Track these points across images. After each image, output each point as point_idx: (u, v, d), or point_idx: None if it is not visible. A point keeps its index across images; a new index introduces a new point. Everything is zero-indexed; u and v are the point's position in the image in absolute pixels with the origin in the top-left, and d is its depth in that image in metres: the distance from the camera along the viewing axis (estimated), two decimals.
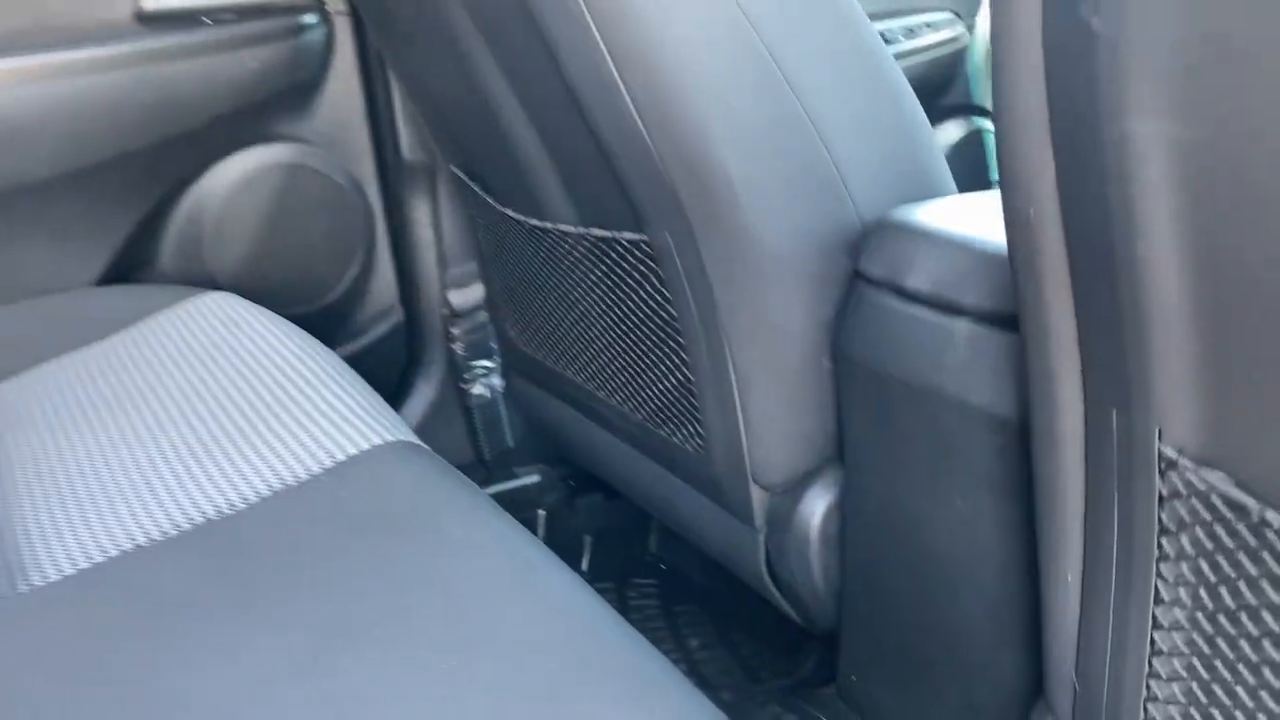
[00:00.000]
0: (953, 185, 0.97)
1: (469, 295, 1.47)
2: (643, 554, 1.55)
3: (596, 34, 0.83)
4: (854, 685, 1.01)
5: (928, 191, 0.93)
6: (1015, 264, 0.60)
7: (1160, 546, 0.58)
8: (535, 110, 0.99)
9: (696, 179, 0.87)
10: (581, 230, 1.04)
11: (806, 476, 1.01)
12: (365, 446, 0.82)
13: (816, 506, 1.00)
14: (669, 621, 1.42)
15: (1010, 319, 0.75)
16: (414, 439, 0.87)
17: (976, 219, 0.82)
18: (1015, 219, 0.57)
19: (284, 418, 0.87)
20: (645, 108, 0.85)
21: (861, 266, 0.87)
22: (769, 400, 0.97)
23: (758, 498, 1.03)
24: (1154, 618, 0.61)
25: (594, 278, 1.07)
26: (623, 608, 1.48)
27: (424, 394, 1.54)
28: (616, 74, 0.84)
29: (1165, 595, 0.60)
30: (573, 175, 1.01)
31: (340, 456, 0.81)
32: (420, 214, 1.42)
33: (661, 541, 1.55)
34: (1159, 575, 0.59)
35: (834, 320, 0.93)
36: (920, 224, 0.82)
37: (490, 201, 1.18)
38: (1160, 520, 0.57)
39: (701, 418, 1.03)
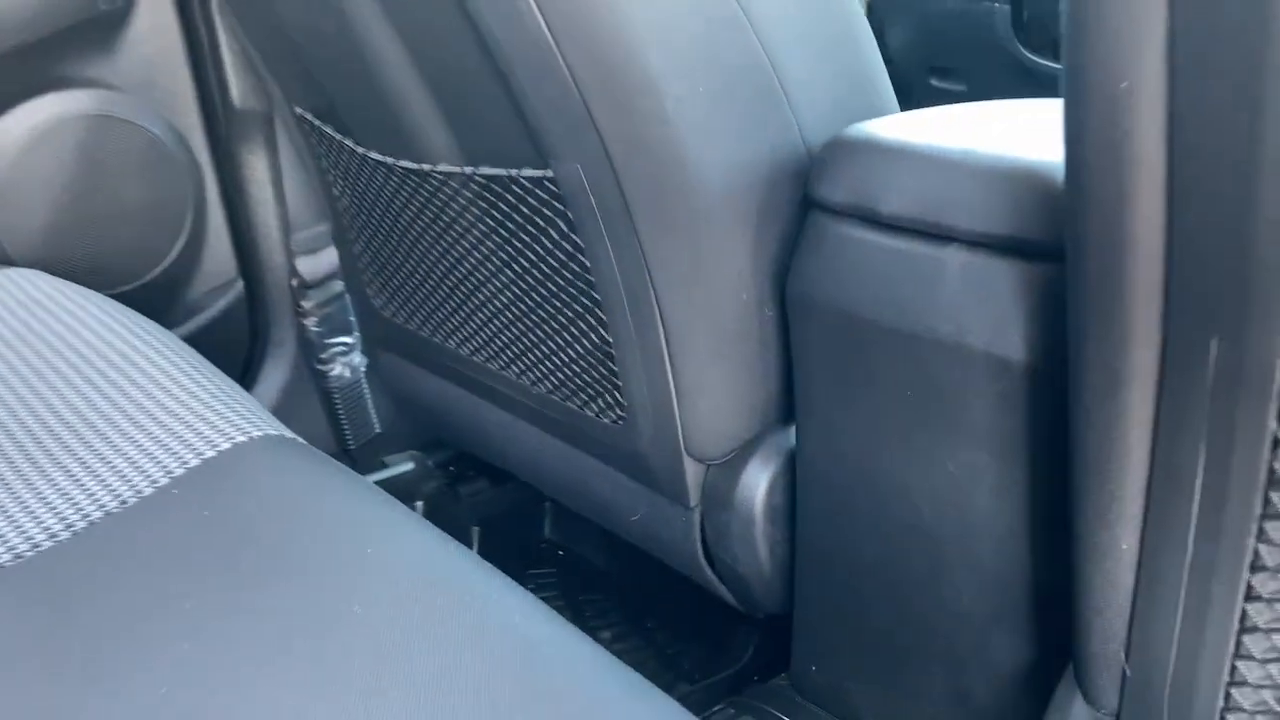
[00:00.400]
0: (897, 107, 0.85)
1: (321, 262, 1.27)
2: (538, 541, 1.40)
3: None
4: (813, 676, 0.90)
5: (876, 113, 0.80)
6: (1082, 157, 0.48)
7: (1268, 502, 0.47)
8: (408, 25, 0.82)
9: (615, 95, 0.72)
10: (468, 170, 0.87)
11: (748, 445, 0.88)
12: (226, 445, 0.65)
13: (760, 478, 0.87)
14: (575, 614, 1.28)
15: (1016, 244, 0.63)
16: (284, 430, 0.70)
17: (953, 132, 0.70)
18: (1095, 96, 0.44)
19: (125, 416, 0.68)
20: (550, 6, 0.69)
21: (818, 193, 0.74)
22: (705, 359, 0.83)
23: (692, 472, 0.89)
24: (1248, 587, 0.50)
25: (484, 227, 0.91)
26: None
27: (274, 378, 1.35)
28: None
29: (1269, 560, 0.49)
30: (456, 103, 0.85)
31: (196, 460, 0.63)
32: (257, 169, 1.22)
33: (557, 525, 1.40)
34: (1261, 536, 0.48)
35: (779, 260, 0.80)
36: (893, 140, 0.70)
37: (349, 145, 0.99)
38: (1273, 470, 0.46)
39: (622, 385, 0.88)
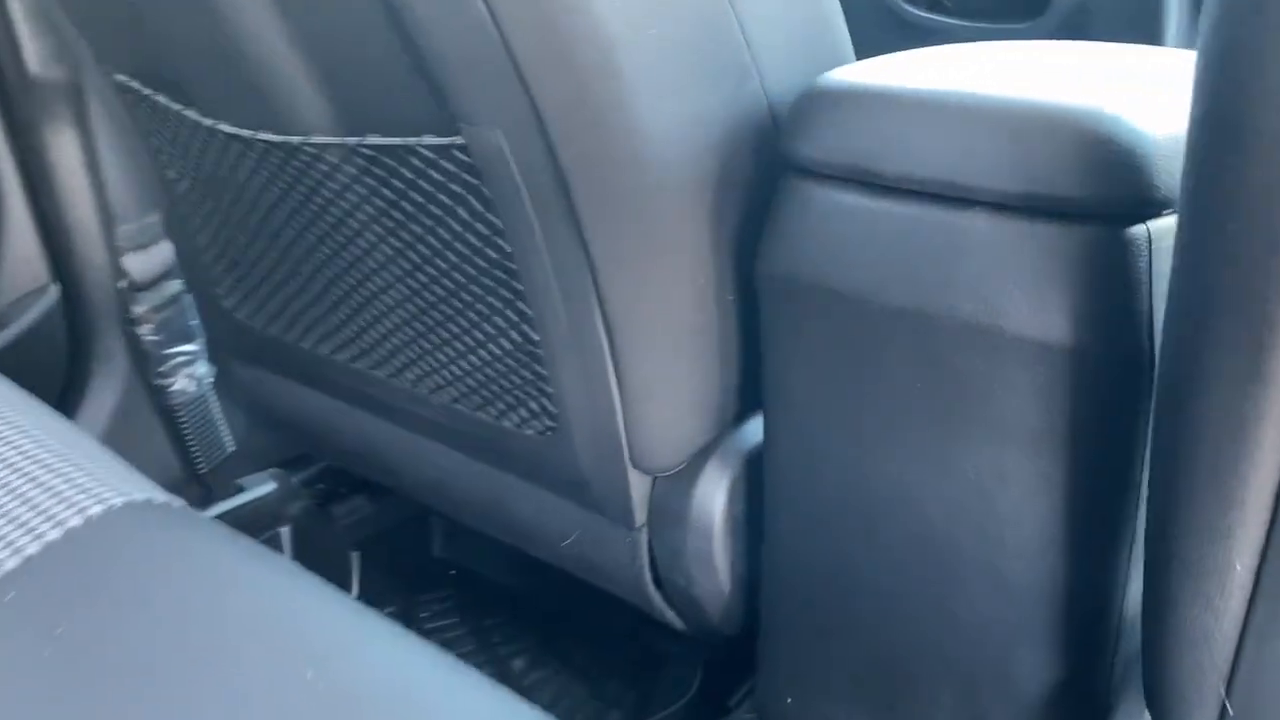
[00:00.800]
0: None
1: (154, 258, 1.07)
2: (427, 561, 1.25)
3: None
4: (787, 707, 0.78)
5: (839, 64, 0.69)
6: (1239, 80, 0.37)
7: None
8: None
9: (550, 42, 0.58)
10: (350, 141, 0.71)
11: (702, 450, 0.76)
12: (75, 522, 0.48)
13: (718, 487, 0.75)
14: (480, 640, 1.13)
15: (1053, 204, 0.53)
16: (155, 492, 0.53)
17: (954, 76, 0.59)
18: None
19: None
20: None
21: (799, 154, 0.61)
22: (656, 356, 0.70)
23: (637, 487, 0.77)
24: None
25: (372, 209, 0.75)
26: (416, 633, 1.17)
27: (101, 400, 1.14)
28: None
29: None
30: (335, 59, 0.68)
31: (31, 548, 0.46)
32: (66, 151, 1.01)
33: (450, 540, 1.25)
34: None
35: (743, 234, 0.67)
36: (892, 87, 0.58)
37: (190, 116, 0.81)
38: None
39: (552, 391, 0.75)
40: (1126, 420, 0.56)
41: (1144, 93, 0.56)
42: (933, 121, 0.55)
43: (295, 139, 0.73)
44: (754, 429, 0.77)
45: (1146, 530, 0.51)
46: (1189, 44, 1.41)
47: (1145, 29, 1.41)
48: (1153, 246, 0.54)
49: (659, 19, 0.59)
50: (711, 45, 0.62)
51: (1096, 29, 1.49)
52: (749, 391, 0.75)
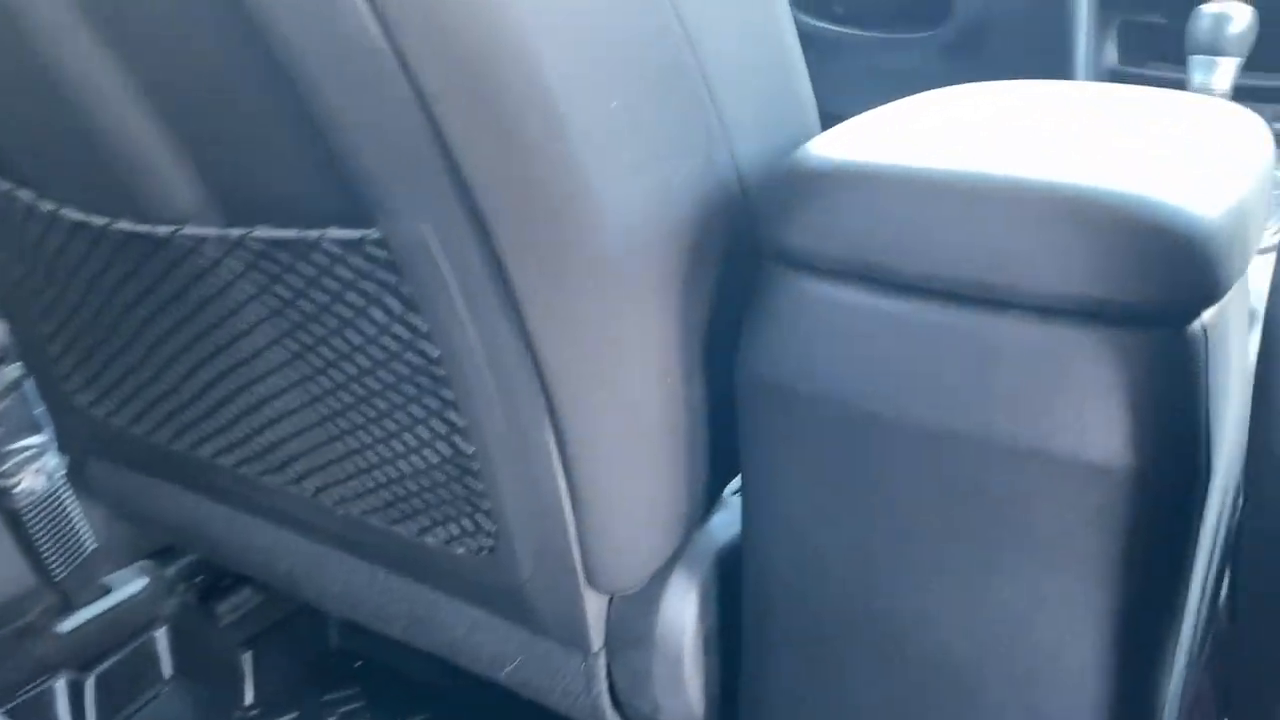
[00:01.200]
0: None
1: None
2: (328, 654, 1.12)
3: None
4: None
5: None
6: None
7: None
8: (129, 33, 0.52)
9: (490, 119, 0.48)
10: (234, 234, 0.59)
11: (668, 564, 0.66)
12: None
13: (687, 602, 0.66)
14: None
15: (1107, 308, 0.45)
16: None
17: (964, 149, 0.51)
18: None
19: None
20: None
21: (782, 241, 0.52)
22: (616, 464, 0.60)
23: (594, 608, 0.67)
24: None
25: (262, 309, 0.63)
26: None
27: None
28: None
29: None
30: (212, 139, 0.56)
31: None
32: None
33: (351, 631, 1.12)
34: None
35: (713, 320, 0.58)
36: (896, 167, 0.49)
37: (22, 197, 0.67)
38: None
39: (491, 506, 0.64)
40: (1180, 538, 0.49)
41: (1187, 163, 0.49)
42: (957, 211, 0.47)
43: (162, 230, 0.61)
44: (723, 523, 0.68)
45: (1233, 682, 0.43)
46: (1097, 61, 1.39)
47: (1046, 44, 1.38)
48: (1209, 343, 0.47)
49: (620, 87, 0.49)
50: (677, 114, 0.53)
51: (995, 42, 1.45)
52: (718, 481, 0.66)
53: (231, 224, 0.59)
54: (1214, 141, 0.54)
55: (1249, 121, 0.60)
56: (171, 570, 1.12)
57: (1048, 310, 0.46)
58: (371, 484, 0.69)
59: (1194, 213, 0.45)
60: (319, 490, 0.73)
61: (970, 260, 0.47)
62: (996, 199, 0.46)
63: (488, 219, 0.51)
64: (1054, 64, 1.39)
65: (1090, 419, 0.46)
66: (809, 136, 0.61)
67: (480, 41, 0.45)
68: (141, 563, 1.11)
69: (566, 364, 0.56)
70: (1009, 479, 0.49)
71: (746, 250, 0.56)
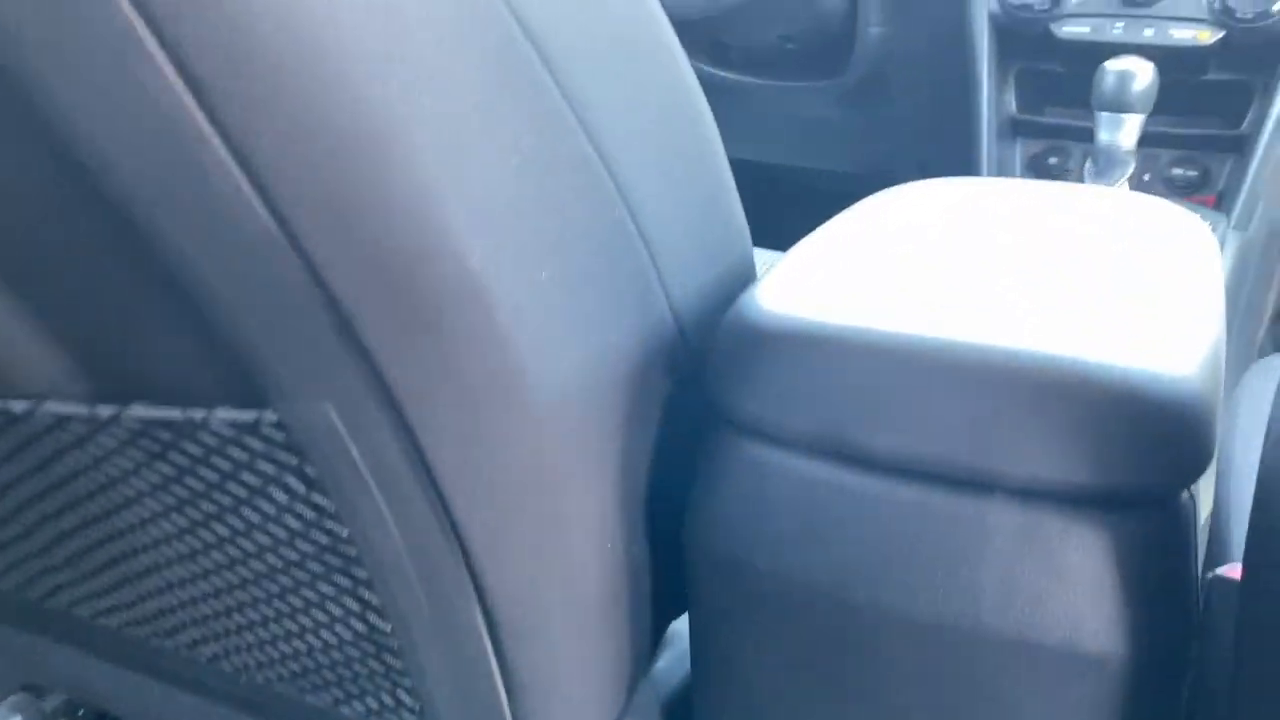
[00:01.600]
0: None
1: None
2: None
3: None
4: None
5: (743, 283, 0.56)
6: None
7: None
8: None
9: (402, 300, 0.42)
10: (103, 413, 0.52)
11: None
12: None
13: None
14: None
15: (1101, 494, 0.42)
16: None
17: (924, 302, 0.47)
18: None
19: None
20: (264, 153, 0.37)
21: (733, 407, 0.47)
22: (553, 640, 0.55)
23: None
24: None
25: (141, 484, 0.55)
26: None
27: None
28: (194, 102, 0.36)
29: None
30: (65, 301, 0.49)
31: None
32: None
33: None
34: None
35: (653, 480, 0.53)
36: (861, 331, 0.45)
37: None
38: None
39: (412, 683, 0.58)
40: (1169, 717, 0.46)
41: (1157, 311, 0.46)
42: (932, 384, 0.43)
43: (16, 406, 0.53)
44: (669, 666, 0.63)
45: None
46: (999, 109, 1.38)
47: (947, 92, 1.37)
48: (1196, 511, 0.44)
49: (552, 256, 0.44)
50: (611, 271, 0.47)
51: (896, 90, 1.44)
52: (664, 625, 0.61)
53: (101, 399, 0.51)
54: (1174, 271, 0.51)
55: (1198, 233, 0.57)
56: (50, 704, 1.02)
57: (1034, 494, 0.42)
58: (276, 655, 0.62)
59: (1183, 387, 0.41)
60: (215, 658, 0.65)
61: (948, 438, 0.42)
62: (974, 373, 0.42)
63: (399, 400, 0.45)
64: (955, 113, 1.38)
65: (1084, 608, 0.42)
66: (746, 265, 0.56)
67: (395, 232, 0.39)
68: (16, 696, 1.01)
69: (496, 542, 0.50)
70: (995, 670, 0.45)
71: (691, 405, 0.51)
